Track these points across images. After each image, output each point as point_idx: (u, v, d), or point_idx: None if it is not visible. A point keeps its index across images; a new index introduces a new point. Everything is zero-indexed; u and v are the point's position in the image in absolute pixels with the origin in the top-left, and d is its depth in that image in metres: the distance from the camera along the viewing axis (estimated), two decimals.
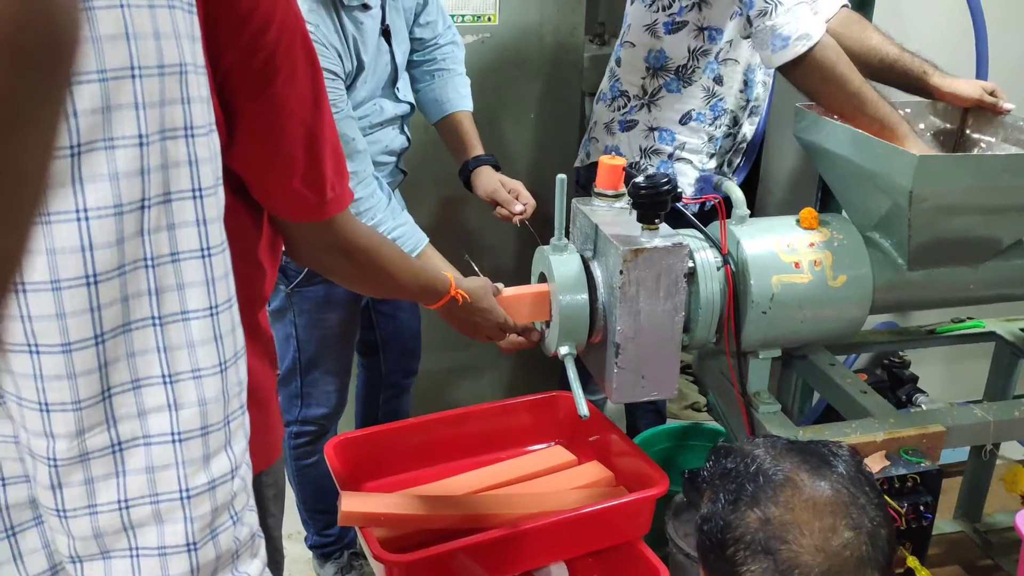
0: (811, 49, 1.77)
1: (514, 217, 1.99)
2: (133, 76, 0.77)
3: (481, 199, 2.05)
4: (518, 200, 1.99)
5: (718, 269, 1.68)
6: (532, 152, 2.61)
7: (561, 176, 1.56)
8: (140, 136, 0.78)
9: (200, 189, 0.84)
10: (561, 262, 1.60)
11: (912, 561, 1.62)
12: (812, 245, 1.73)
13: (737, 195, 1.78)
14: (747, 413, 1.78)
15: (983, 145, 2.00)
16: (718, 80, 2.20)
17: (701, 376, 2.09)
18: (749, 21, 1.85)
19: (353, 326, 2.10)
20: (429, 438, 1.85)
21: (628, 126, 2.27)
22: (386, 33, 1.86)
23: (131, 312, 0.81)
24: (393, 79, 1.92)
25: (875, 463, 1.63)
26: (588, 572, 1.72)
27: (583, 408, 1.55)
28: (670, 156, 2.24)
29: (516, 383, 2.84)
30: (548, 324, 1.66)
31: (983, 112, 1.99)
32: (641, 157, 2.25)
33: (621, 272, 1.49)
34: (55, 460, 0.81)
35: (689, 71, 2.18)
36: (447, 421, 1.88)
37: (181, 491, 0.85)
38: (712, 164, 2.28)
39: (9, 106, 0.42)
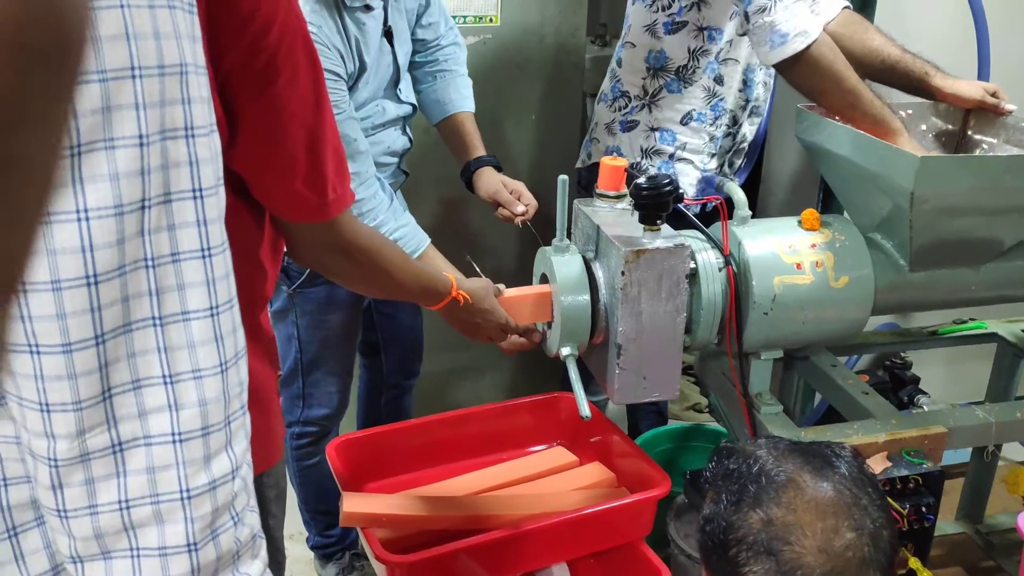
0: (809, 46, 1.77)
1: (516, 218, 1.99)
2: (133, 76, 0.77)
3: (483, 200, 2.05)
4: (520, 201, 1.99)
5: (720, 270, 1.68)
6: (533, 153, 2.61)
7: (563, 177, 1.56)
8: (140, 136, 0.78)
9: (201, 189, 0.84)
10: (563, 263, 1.60)
11: (914, 562, 1.62)
12: (814, 246, 1.73)
13: (739, 196, 1.78)
14: (749, 414, 1.78)
15: (985, 146, 2.00)
16: (719, 80, 2.20)
17: (703, 377, 2.09)
18: (747, 17, 1.85)
19: (355, 327, 2.10)
20: (431, 439, 1.85)
21: (629, 126, 2.27)
22: (388, 34, 1.86)
23: (132, 312, 0.81)
24: (395, 80, 1.92)
25: (877, 464, 1.63)
26: (590, 573, 1.72)
27: (585, 409, 1.55)
28: (671, 156, 2.24)
29: (518, 384, 2.84)
30: (550, 325, 1.66)
31: (985, 113, 1.99)
32: (642, 157, 2.25)
33: (623, 273, 1.49)
34: (56, 460, 0.81)
35: (689, 71, 2.18)
36: (449, 422, 1.88)
37: (182, 491, 0.85)
38: (713, 164, 2.28)
39: (16, 104, 0.42)
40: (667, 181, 1.50)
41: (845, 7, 2.04)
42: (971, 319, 2.24)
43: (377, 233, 1.35)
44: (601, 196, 1.67)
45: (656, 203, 1.50)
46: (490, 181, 2.03)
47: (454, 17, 2.22)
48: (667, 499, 1.76)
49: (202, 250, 0.85)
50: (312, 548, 2.32)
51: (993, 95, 1.96)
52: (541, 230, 2.00)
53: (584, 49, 2.65)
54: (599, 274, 1.60)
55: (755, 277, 1.68)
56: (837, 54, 1.79)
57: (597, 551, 1.69)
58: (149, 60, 0.78)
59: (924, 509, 1.63)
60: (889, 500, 1.32)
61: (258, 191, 1.05)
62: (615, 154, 2.25)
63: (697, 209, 1.89)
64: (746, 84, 2.25)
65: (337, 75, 1.70)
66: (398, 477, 1.80)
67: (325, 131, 1.05)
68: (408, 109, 1.97)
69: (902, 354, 2.34)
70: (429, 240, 1.88)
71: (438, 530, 1.60)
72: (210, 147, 0.85)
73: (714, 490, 1.13)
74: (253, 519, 0.95)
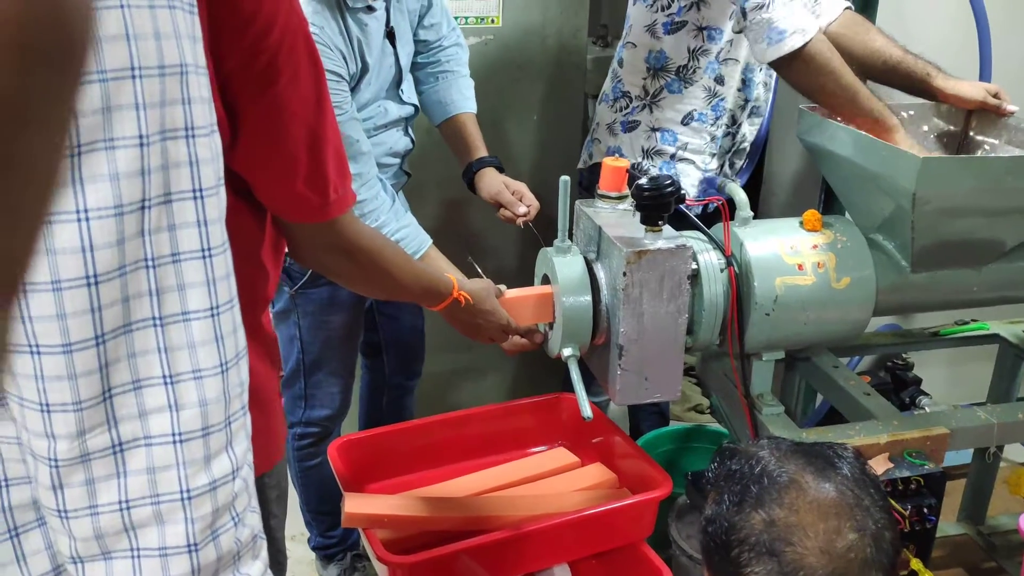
0: (806, 44, 1.77)
1: (518, 219, 1.99)
2: (133, 76, 0.77)
3: (485, 201, 2.05)
4: (522, 202, 1.99)
5: (721, 271, 1.67)
6: (535, 154, 2.61)
7: (564, 178, 1.56)
8: (140, 136, 0.78)
9: (201, 190, 0.84)
10: (564, 264, 1.60)
11: (916, 563, 1.62)
12: (815, 247, 1.73)
13: (740, 197, 1.78)
14: (750, 415, 1.78)
15: (987, 147, 2.00)
16: (719, 80, 2.19)
17: (704, 378, 2.09)
18: (744, 14, 1.85)
19: (357, 328, 2.10)
20: (432, 440, 1.85)
21: (630, 127, 2.26)
22: (390, 35, 1.86)
23: (132, 313, 0.81)
24: (397, 81, 1.92)
25: (879, 465, 1.62)
26: (591, 574, 1.72)
27: (586, 410, 1.55)
28: (672, 157, 2.24)
29: (519, 385, 2.84)
30: (551, 326, 1.66)
31: (987, 114, 1.99)
32: (643, 158, 2.25)
33: (624, 274, 1.49)
34: (56, 461, 0.81)
35: (690, 71, 2.18)
36: (450, 423, 1.88)
37: (182, 492, 0.85)
38: (714, 164, 2.28)
39: (18, 105, 0.41)
40: (669, 182, 1.50)
41: (847, 8, 2.04)
42: (973, 320, 2.24)
43: (379, 234, 1.35)
44: (603, 197, 1.67)
45: (658, 204, 1.50)
46: (492, 182, 2.03)
47: (456, 18, 2.22)
48: (669, 500, 1.75)
49: (202, 250, 0.85)
50: (314, 549, 2.32)
51: (995, 96, 1.96)
52: (543, 231, 2.00)
53: (585, 50, 2.65)
54: (601, 275, 1.59)
55: (757, 278, 1.68)
56: (833, 52, 1.80)
57: (599, 552, 1.69)
58: (149, 60, 0.78)
59: (926, 510, 1.62)
60: (891, 501, 1.32)
61: (259, 191, 1.05)
62: (616, 155, 2.24)
63: (699, 210, 1.89)
64: (745, 84, 2.25)
65: (339, 76, 1.70)
66: (400, 478, 1.81)
67: (326, 131, 1.05)
68: (410, 110, 1.97)
69: (904, 355, 2.34)
70: (431, 241, 1.88)
71: (440, 531, 1.60)
72: (211, 147, 0.85)
73: (716, 491, 1.13)
74: (254, 520, 0.95)
